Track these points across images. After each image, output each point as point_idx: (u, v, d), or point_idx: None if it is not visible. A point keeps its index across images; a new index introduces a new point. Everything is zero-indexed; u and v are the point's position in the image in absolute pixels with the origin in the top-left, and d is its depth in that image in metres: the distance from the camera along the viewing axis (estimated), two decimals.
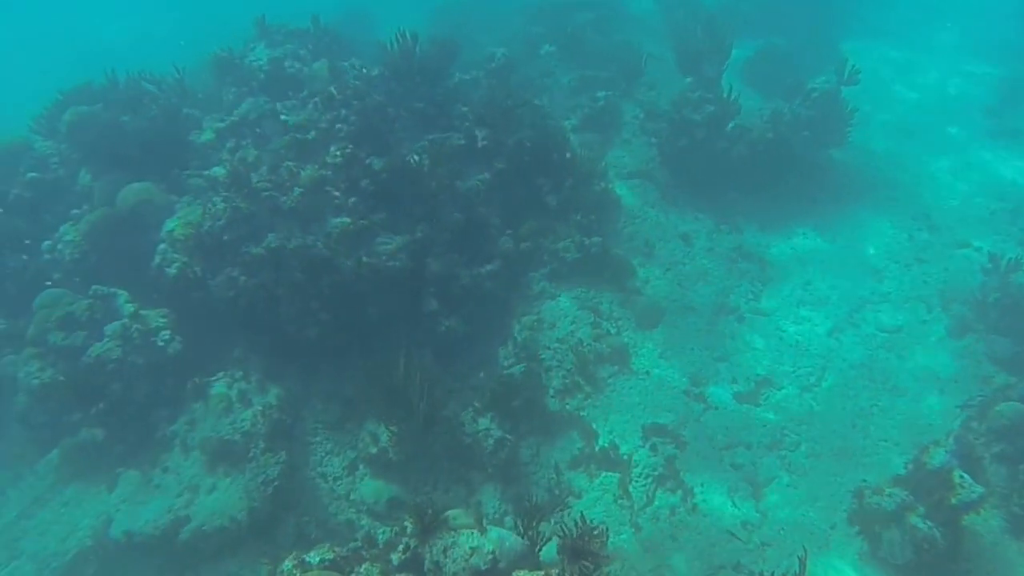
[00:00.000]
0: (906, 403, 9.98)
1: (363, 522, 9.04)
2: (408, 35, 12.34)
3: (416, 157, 10.53)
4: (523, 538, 7.11)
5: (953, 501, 7.39)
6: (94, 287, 9.66)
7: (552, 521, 8.06)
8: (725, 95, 12.96)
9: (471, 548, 6.61)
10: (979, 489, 7.45)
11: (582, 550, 6.89)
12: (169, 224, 10.09)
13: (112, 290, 9.76)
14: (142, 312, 9.79)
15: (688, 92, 13.23)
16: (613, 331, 10.77)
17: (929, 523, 7.48)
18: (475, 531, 6.83)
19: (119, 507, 8.87)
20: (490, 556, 6.50)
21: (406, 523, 7.00)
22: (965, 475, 7.55)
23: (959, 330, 10.87)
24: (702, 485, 9.03)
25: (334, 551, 6.96)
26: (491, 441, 9.28)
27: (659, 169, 13.60)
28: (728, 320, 11.26)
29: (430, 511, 6.94)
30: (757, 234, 12.68)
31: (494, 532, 6.82)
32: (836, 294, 11.63)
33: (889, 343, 10.84)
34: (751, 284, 11.81)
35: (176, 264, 9.82)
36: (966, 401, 9.63)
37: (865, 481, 8.70)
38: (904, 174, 14.03)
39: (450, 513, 7.21)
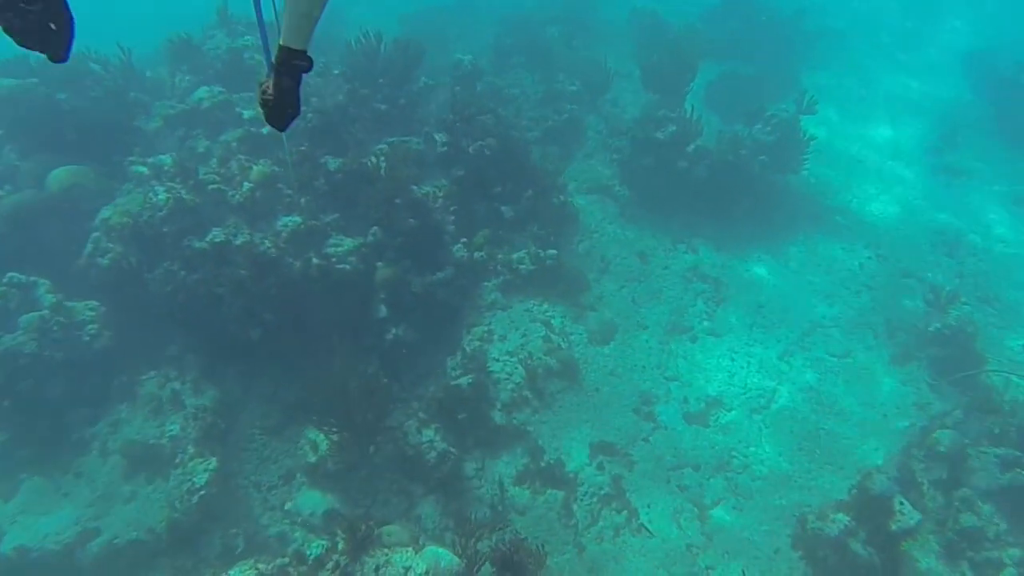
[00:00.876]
0: (851, 428, 10.02)
1: (296, 534, 8.61)
2: (372, 35, 12.08)
3: (374, 159, 10.21)
4: (461, 558, 6.82)
5: (893, 527, 7.39)
6: (9, 274, 8.99)
7: (493, 539, 7.79)
8: (688, 115, 13.00)
9: (404, 568, 6.32)
10: (917, 516, 7.47)
11: (515, 567, 6.67)
12: (105, 212, 9.53)
13: (32, 278, 9.11)
14: (67, 304, 9.18)
15: (652, 111, 13.23)
16: (564, 346, 10.58)
17: (869, 549, 7.46)
18: (410, 549, 6.54)
19: (15, 519, 8.16)
20: None
21: (338, 539, 6.65)
22: (905, 501, 7.56)
23: (903, 358, 11.02)
24: (648, 506, 8.87)
25: (257, 568, 6.56)
26: (434, 454, 8.98)
27: (619, 185, 13.55)
28: (681, 340, 11.18)
29: (363, 527, 6.62)
30: (713, 254, 12.69)
31: (429, 551, 6.52)
32: (788, 317, 11.67)
33: (837, 368, 10.90)
34: (705, 304, 11.78)
35: (110, 254, 9.28)
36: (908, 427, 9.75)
37: (809, 506, 8.66)
38: (856, 203, 14.26)
39: (385, 529, 6.90)
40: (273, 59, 2.39)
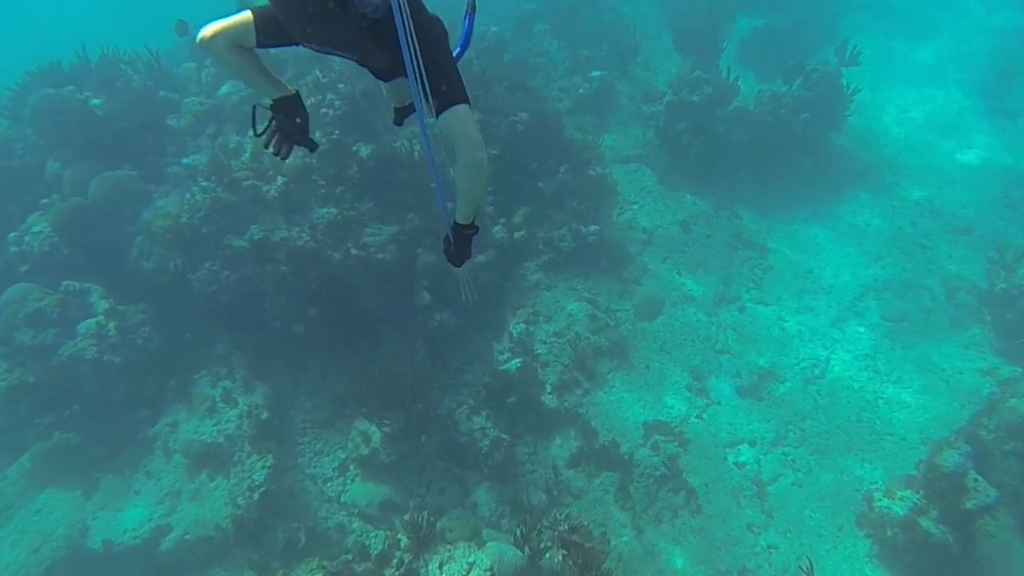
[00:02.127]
0: (911, 395, 9.72)
1: (354, 525, 8.72)
2: None
3: (405, 143, 10.04)
4: (523, 549, 6.81)
5: (968, 505, 7.15)
6: (66, 282, 9.16)
7: (554, 528, 7.76)
8: (724, 76, 12.53)
9: (468, 563, 6.32)
10: (994, 492, 7.21)
11: (579, 554, 6.63)
12: (146, 215, 9.58)
13: (85, 285, 9.27)
14: (119, 308, 9.33)
15: (686, 73, 12.79)
16: (612, 323, 10.41)
17: (942, 527, 7.25)
18: (472, 544, 6.53)
19: (96, 515, 8.47)
20: (488, 573, 6.21)
21: (400, 535, 6.68)
22: (979, 478, 7.30)
23: (965, 320, 10.61)
24: (706, 486, 8.75)
25: (323, 567, 6.64)
26: (487, 441, 8.95)
27: (656, 153, 13.17)
28: (729, 310, 10.93)
29: (425, 524, 6.63)
30: (757, 220, 12.33)
31: (492, 546, 6.52)
32: (839, 282, 11.32)
33: (893, 333, 10.56)
34: (752, 272, 11.47)
35: (154, 257, 9.35)
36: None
37: (874, 482, 8.45)
38: (904, 157, 13.67)
39: (446, 524, 6.91)
40: (450, 229, 3.04)
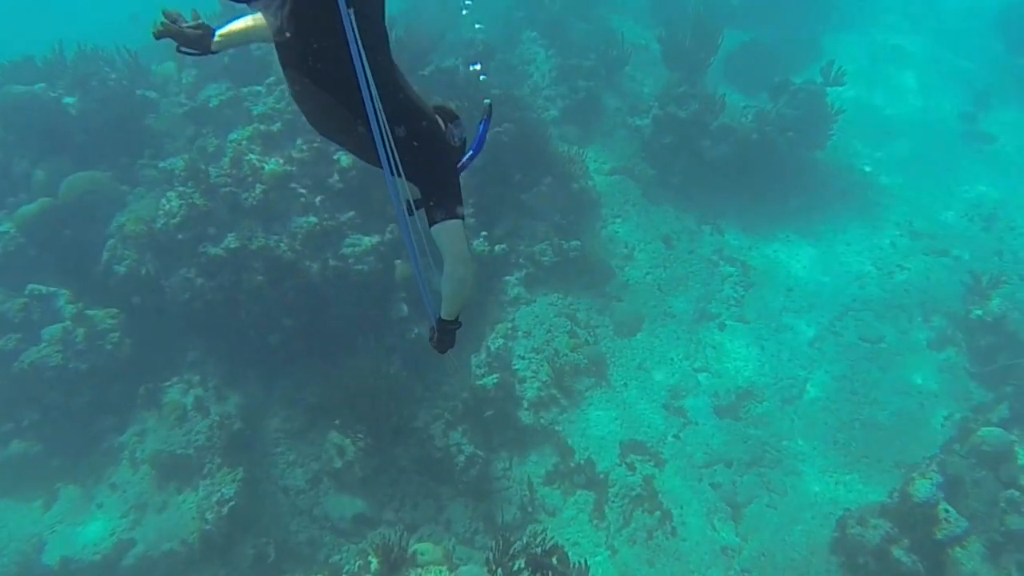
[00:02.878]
0: (887, 418, 9.78)
1: (326, 539, 8.59)
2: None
3: None
4: (496, 572, 6.70)
5: (939, 536, 7.19)
6: (31, 285, 8.90)
7: (524, 546, 7.68)
8: (710, 92, 12.53)
9: None
10: (964, 523, 7.25)
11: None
12: (119, 218, 9.35)
13: (52, 289, 9.02)
14: (88, 312, 9.09)
15: (673, 87, 12.77)
16: (591, 340, 10.36)
17: (913, 557, 7.28)
18: (444, 569, 6.42)
19: (54, 528, 8.19)
20: None
21: (371, 558, 6.56)
22: (950, 508, 7.34)
23: (939, 343, 10.70)
24: (681, 507, 8.72)
25: None
26: (462, 457, 8.90)
27: (641, 165, 13.14)
28: (709, 328, 10.93)
29: (396, 548, 6.51)
30: (739, 236, 12.34)
31: (464, 570, 6.41)
32: (819, 301, 11.36)
33: (871, 354, 10.61)
34: (733, 289, 11.48)
35: (126, 262, 9.13)
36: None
37: (848, 508, 8.46)
38: (887, 178, 13.76)
39: (418, 548, 6.80)
40: (434, 322, 3.17)
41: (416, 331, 9.57)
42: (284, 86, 10.19)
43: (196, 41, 2.51)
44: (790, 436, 9.61)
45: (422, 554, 6.66)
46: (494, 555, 6.87)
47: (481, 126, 3.22)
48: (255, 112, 9.98)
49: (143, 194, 9.54)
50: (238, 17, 2.61)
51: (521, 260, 10.81)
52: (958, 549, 7.47)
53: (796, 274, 11.81)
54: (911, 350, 10.62)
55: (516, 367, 9.74)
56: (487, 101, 3.29)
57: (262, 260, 8.85)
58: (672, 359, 10.37)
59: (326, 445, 9.01)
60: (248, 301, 8.91)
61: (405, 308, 9.61)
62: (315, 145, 9.57)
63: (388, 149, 2.36)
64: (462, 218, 2.86)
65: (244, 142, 9.49)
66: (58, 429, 8.73)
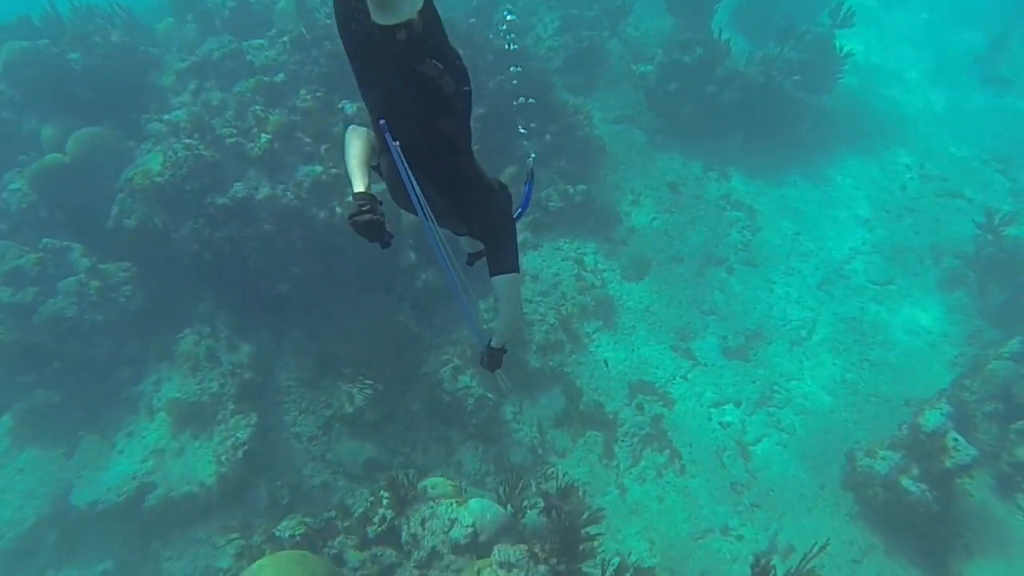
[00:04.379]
0: (896, 357, 9.77)
1: (339, 484, 8.74)
2: None
3: None
4: (506, 506, 6.83)
5: (947, 464, 7.21)
6: (45, 240, 9.00)
7: (534, 483, 7.81)
8: (715, 37, 12.34)
9: (450, 520, 6.32)
10: (973, 452, 7.26)
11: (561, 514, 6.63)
12: (127, 173, 9.39)
13: (65, 243, 9.12)
14: (100, 266, 9.19)
15: (677, 34, 12.58)
16: (598, 284, 10.38)
17: (922, 486, 7.32)
18: (454, 502, 6.53)
19: (79, 473, 8.43)
20: (470, 529, 6.23)
21: (382, 493, 6.67)
22: (959, 438, 7.35)
23: (950, 283, 10.63)
24: (690, 445, 8.80)
25: (305, 524, 6.63)
26: (472, 400, 8.96)
27: (646, 113, 13.02)
28: (717, 271, 10.90)
29: (406, 482, 6.62)
30: (746, 181, 12.25)
31: (475, 503, 6.52)
32: (826, 244, 11.30)
33: (879, 296, 10.58)
34: (740, 234, 11.43)
35: (136, 215, 9.18)
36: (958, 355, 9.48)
37: (857, 442, 8.51)
38: (897, 121, 13.56)
39: (428, 482, 6.91)
40: (485, 348, 3.79)
41: (424, 277, 9.61)
42: (286, 39, 10.20)
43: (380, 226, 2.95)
44: (799, 376, 9.64)
45: (433, 487, 6.77)
46: (505, 489, 7.01)
47: (527, 187, 3.81)
48: (257, 64, 9.94)
49: (150, 148, 9.56)
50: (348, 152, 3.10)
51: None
52: (966, 480, 7.51)
53: (804, 218, 11.73)
54: (921, 291, 10.58)
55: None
56: (531, 161, 4.03)
57: (269, 210, 8.88)
58: (680, 301, 10.37)
59: (337, 392, 9.11)
60: (257, 251, 8.96)
61: (413, 255, 9.64)
62: (319, 95, 9.55)
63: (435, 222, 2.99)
64: (520, 271, 3.42)
65: (248, 93, 9.48)
66: (78, 379, 8.88)
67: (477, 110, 10.71)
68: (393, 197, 3.18)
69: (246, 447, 8.34)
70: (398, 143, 2.75)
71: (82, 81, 9.90)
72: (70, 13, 10.56)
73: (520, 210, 3.70)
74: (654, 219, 11.50)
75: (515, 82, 10.71)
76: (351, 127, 3.28)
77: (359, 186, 3.02)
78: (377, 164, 3.21)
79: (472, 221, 3.29)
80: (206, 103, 9.69)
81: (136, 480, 8.27)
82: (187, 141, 9.07)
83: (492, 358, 3.79)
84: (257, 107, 9.35)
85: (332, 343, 9.22)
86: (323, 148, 9.38)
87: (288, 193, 8.98)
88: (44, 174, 9.42)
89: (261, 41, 10.41)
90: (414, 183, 2.81)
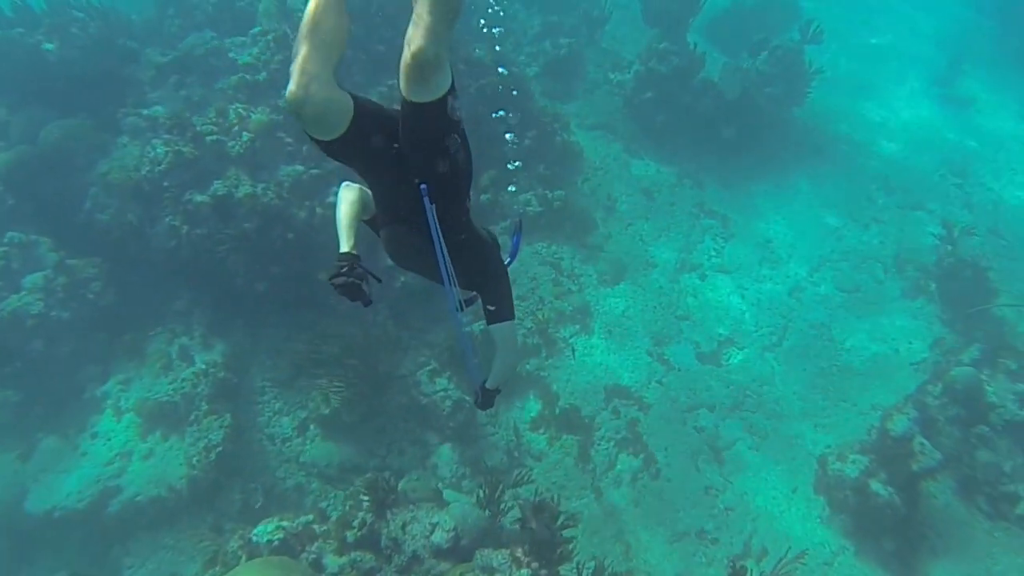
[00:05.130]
0: (863, 362, 10.05)
1: (313, 486, 8.64)
2: None
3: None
4: (485, 510, 6.85)
5: (914, 468, 7.46)
6: (9, 233, 8.74)
7: (511, 484, 7.84)
8: (691, 48, 12.57)
9: (431, 524, 6.32)
10: (938, 455, 7.53)
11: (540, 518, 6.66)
12: (102, 167, 9.19)
13: (32, 237, 8.87)
14: (69, 262, 8.97)
15: (654, 44, 12.78)
16: (574, 288, 10.48)
17: (890, 489, 7.54)
18: (435, 505, 6.53)
19: (37, 477, 8.12)
20: (451, 533, 6.23)
21: (361, 496, 6.64)
22: (925, 442, 7.61)
23: (913, 291, 10.98)
24: (665, 449, 8.92)
25: (283, 528, 6.55)
26: (449, 403, 8.97)
27: (622, 121, 13.20)
28: (691, 277, 11.09)
29: (386, 484, 6.60)
30: (719, 190, 12.49)
31: (455, 507, 6.53)
32: (797, 252, 11.58)
33: (848, 303, 10.87)
34: (713, 241, 11.65)
35: (109, 210, 9.00)
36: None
37: (828, 446, 8.73)
38: (863, 134, 13.98)
39: (408, 485, 6.90)
40: (480, 388, 4.05)
41: (402, 279, 9.59)
42: (270, 37, 10.09)
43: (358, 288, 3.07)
44: (770, 381, 9.85)
45: (413, 491, 6.76)
46: (484, 492, 7.02)
47: (514, 238, 3.95)
48: (240, 62, 9.83)
49: (127, 142, 9.37)
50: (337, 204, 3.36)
51: (506, 210, 10.83)
52: (931, 483, 7.77)
53: (775, 226, 12.01)
54: (886, 299, 10.90)
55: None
56: (519, 218, 3.91)
57: (249, 207, 8.78)
58: (655, 307, 10.52)
59: (312, 393, 9.02)
60: (235, 249, 8.84)
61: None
62: None
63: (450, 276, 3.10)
64: (515, 318, 3.61)
65: (230, 91, 9.37)
66: (40, 378, 8.62)
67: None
68: (392, 257, 3.37)
69: (220, 448, 8.20)
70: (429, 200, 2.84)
71: (57, 72, 9.66)
72: (44, 3, 10.28)
73: (510, 259, 3.80)
74: (629, 225, 11.65)
75: (500, 88, 10.76)
76: (345, 183, 3.43)
77: (344, 246, 3.16)
78: (370, 219, 3.36)
79: (469, 274, 3.40)
80: (187, 99, 9.54)
81: (100, 484, 8.01)
82: (167, 137, 8.92)
83: (486, 398, 4.00)
84: (239, 105, 9.24)
85: (309, 343, 9.12)
86: (305, 148, 9.31)
87: (269, 192, 8.88)
88: (12, 165, 9.15)
89: (244, 39, 10.28)
90: (444, 248, 2.95)
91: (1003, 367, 8.14)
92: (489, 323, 3.56)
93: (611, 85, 13.62)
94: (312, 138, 2.70)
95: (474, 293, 3.70)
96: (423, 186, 2.83)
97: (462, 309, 3.68)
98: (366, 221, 3.42)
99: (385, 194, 3.06)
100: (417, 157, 2.83)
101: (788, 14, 16.13)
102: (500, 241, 3.75)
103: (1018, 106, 15.16)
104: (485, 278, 3.51)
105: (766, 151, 12.94)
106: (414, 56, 2.48)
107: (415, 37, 2.47)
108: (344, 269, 3.03)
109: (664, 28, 13.26)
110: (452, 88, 2.69)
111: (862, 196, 12.59)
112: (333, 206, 9.03)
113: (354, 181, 3.42)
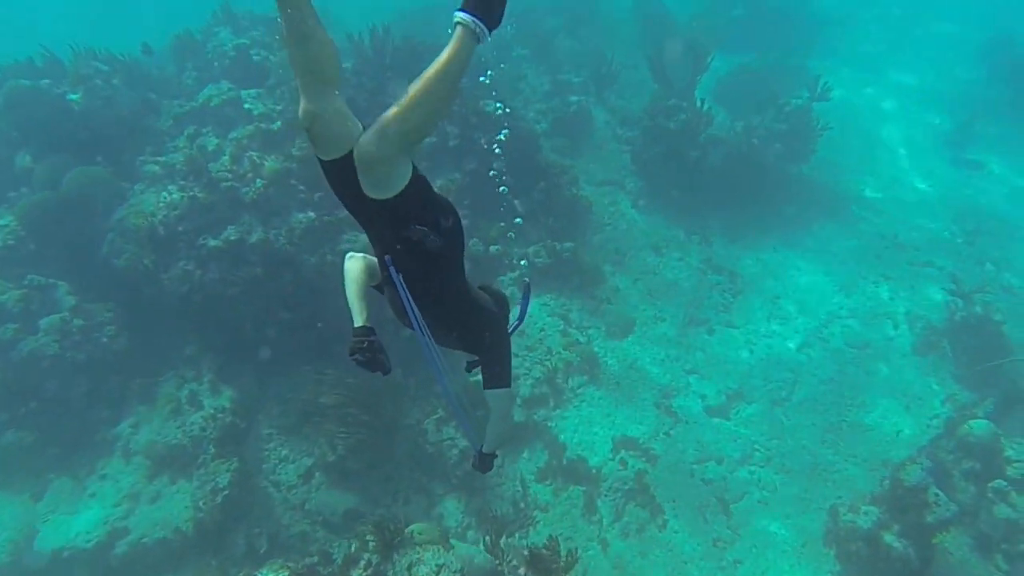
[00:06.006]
0: (874, 419, 9.93)
1: (318, 534, 8.56)
2: (381, 29, 11.98)
3: None
4: (491, 555, 6.75)
5: (929, 519, 7.29)
6: (29, 276, 8.96)
7: (517, 536, 7.74)
8: (698, 105, 12.87)
9: (438, 565, 6.22)
10: (953, 507, 7.37)
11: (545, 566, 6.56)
12: (120, 212, 9.45)
13: (51, 281, 9.08)
14: (85, 305, 9.16)
15: (662, 100, 13.10)
16: (583, 340, 10.49)
17: (904, 541, 7.37)
18: (440, 547, 6.44)
19: (46, 518, 8.16)
20: (458, 575, 6.12)
21: (368, 537, 6.56)
22: (940, 492, 7.46)
23: (924, 347, 10.91)
24: (673, 501, 8.79)
25: (288, 567, 6.48)
26: (455, 452, 8.92)
27: (630, 176, 13.44)
28: (698, 332, 11.09)
29: (392, 525, 6.53)
30: (727, 245, 12.59)
31: (461, 548, 6.44)
32: (806, 308, 11.57)
33: (857, 359, 10.80)
34: (721, 296, 11.68)
35: (126, 255, 9.20)
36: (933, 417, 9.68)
37: (839, 498, 8.58)
38: (871, 192, 14.13)
39: (414, 527, 6.81)
40: (477, 453, 4.07)
41: (409, 330, 9.62)
42: (284, 89, 10.47)
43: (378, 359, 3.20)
44: (779, 436, 9.73)
45: (419, 533, 6.67)
46: (490, 538, 6.92)
47: (523, 301, 4.04)
48: (256, 112, 10.17)
49: (143, 189, 9.65)
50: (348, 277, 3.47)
51: (515, 261, 10.96)
52: (947, 537, 7.58)
53: (783, 282, 12.04)
54: (897, 354, 10.83)
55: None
56: (527, 279, 3.98)
57: (261, 253, 8.95)
58: (663, 360, 10.50)
59: (319, 440, 9.02)
60: (247, 294, 8.98)
61: None
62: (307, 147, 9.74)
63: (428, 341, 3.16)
64: (511, 386, 3.65)
65: (245, 140, 9.67)
66: (53, 419, 8.72)
67: (468, 165, 11.01)
68: (396, 317, 3.37)
69: (226, 492, 8.18)
70: (401, 275, 2.90)
71: (80, 121, 10.04)
72: (72, 57, 10.75)
73: (518, 321, 3.86)
74: (638, 279, 11.74)
75: (496, 149, 10.99)
76: (349, 255, 3.52)
77: (358, 320, 3.24)
78: (378, 284, 3.44)
79: (465, 340, 3.48)
80: (202, 147, 9.84)
81: (108, 525, 8.05)
82: (183, 183, 9.19)
83: (483, 462, 4.05)
84: (253, 153, 9.52)
85: (317, 390, 9.15)
86: (317, 196, 9.53)
87: (281, 238, 9.07)
88: (34, 211, 9.44)
89: (259, 91, 10.66)
90: (417, 314, 3.00)
91: (1019, 420, 8.02)
92: (485, 388, 3.60)
93: (620, 141, 13.91)
94: (319, 160, 2.71)
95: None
96: (387, 258, 2.86)
97: (469, 370, 3.78)
98: (375, 286, 3.50)
99: (374, 249, 3.07)
100: (384, 233, 2.86)
101: (795, 77, 16.47)
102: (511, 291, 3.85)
103: None
104: (481, 345, 3.53)
105: (773, 207, 13.07)
106: (358, 147, 2.49)
107: (371, 130, 2.46)
108: (363, 344, 3.11)
109: (671, 85, 13.62)
110: (414, 185, 2.68)
111: (870, 253, 12.64)
112: (343, 255, 9.22)
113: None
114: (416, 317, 3.00)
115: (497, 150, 10.76)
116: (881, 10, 21.17)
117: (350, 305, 3.36)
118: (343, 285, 3.47)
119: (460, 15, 2.43)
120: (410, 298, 2.94)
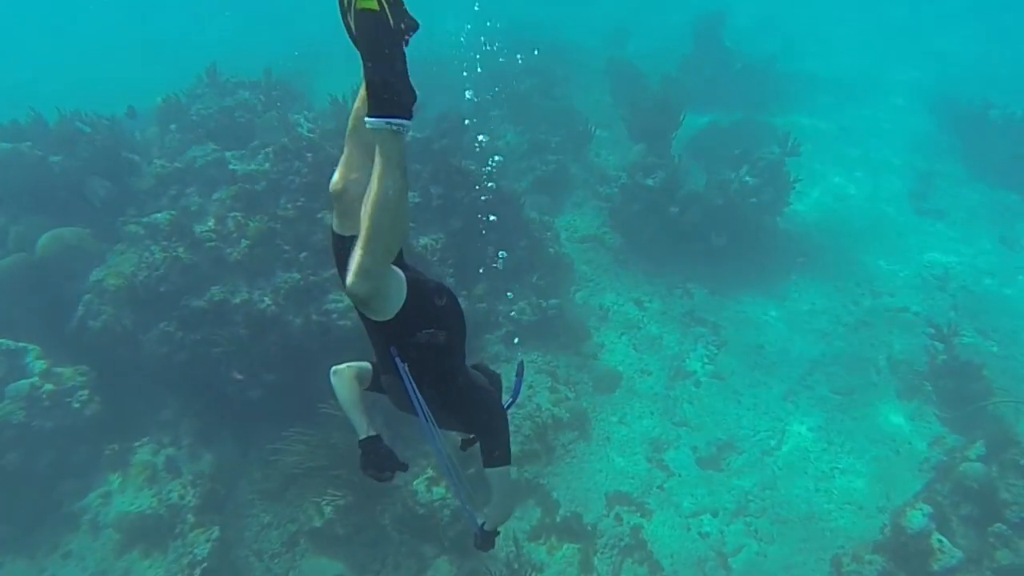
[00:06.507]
0: (865, 465, 9.89)
1: None
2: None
3: None
4: None
5: (934, 567, 7.18)
6: None
7: None
8: (675, 162, 13.17)
9: None
10: (958, 554, 7.28)
11: None
12: (97, 273, 9.25)
13: (21, 344, 8.74)
14: (56, 369, 8.81)
15: (639, 157, 13.39)
16: (571, 396, 10.40)
17: None
18: None
19: None
20: None
21: None
22: (943, 539, 7.37)
23: (908, 393, 10.98)
24: (671, 556, 8.58)
25: None
26: (447, 511, 8.63)
27: (611, 233, 13.60)
28: (685, 385, 11.06)
29: None
30: (708, 298, 12.71)
31: None
32: (789, 357, 11.63)
33: (843, 405, 10.82)
34: (705, 348, 11.71)
35: (103, 317, 8.96)
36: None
37: (842, 547, 8.44)
38: (845, 243, 14.45)
39: None
40: (478, 531, 3.97)
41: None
42: (269, 149, 10.47)
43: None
44: (772, 485, 9.63)
45: None
46: None
47: (517, 381, 4.04)
48: (239, 173, 10.13)
49: (124, 250, 9.48)
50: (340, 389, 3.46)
51: (500, 319, 10.91)
52: None
53: (765, 333, 12.13)
54: (882, 400, 10.88)
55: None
56: (520, 360, 3.98)
57: (245, 313, 8.79)
58: (652, 413, 10.43)
59: (304, 505, 8.70)
60: (229, 355, 8.76)
61: None
62: (299, 204, 9.73)
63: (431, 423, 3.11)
64: (511, 463, 3.68)
65: (228, 200, 9.60)
66: (12, 494, 8.23)
67: (452, 224, 11.04)
68: (395, 405, 3.44)
69: (205, 564, 7.79)
70: (406, 364, 2.92)
71: (60, 182, 9.90)
72: (58, 119, 10.69)
73: (511, 399, 3.90)
74: (622, 334, 11.77)
75: (484, 200, 11.08)
76: (333, 370, 3.53)
77: (361, 432, 3.28)
78: (372, 384, 3.52)
79: (463, 421, 3.55)
80: (185, 208, 9.75)
81: None
82: (164, 243, 9.04)
83: (485, 540, 4.01)
84: (237, 214, 9.44)
85: (302, 453, 8.86)
86: (302, 255, 9.44)
87: (266, 298, 8.92)
88: (6, 272, 9.18)
89: (243, 152, 10.66)
90: (424, 407, 3.01)
91: (1011, 463, 8.00)
92: (484, 466, 3.62)
93: (599, 198, 14.12)
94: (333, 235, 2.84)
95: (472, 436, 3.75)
96: (392, 348, 2.89)
97: (464, 449, 3.81)
98: (367, 388, 3.54)
99: (372, 340, 3.09)
100: (388, 340, 2.92)
101: (762, 133, 17.02)
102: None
103: (989, 215, 15.78)
104: (479, 425, 3.59)
105: (752, 259, 13.27)
106: (348, 291, 2.49)
107: (350, 273, 2.42)
108: (372, 458, 3.19)
109: (648, 142, 13.94)
110: (411, 300, 2.74)
111: (848, 300, 12.84)
112: (330, 315, 9.07)
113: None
114: (423, 408, 3.01)
115: (490, 184, 10.86)
116: (839, 69, 22.12)
117: (350, 419, 3.38)
118: (335, 399, 3.48)
119: (371, 122, 2.27)
120: (416, 390, 2.95)
